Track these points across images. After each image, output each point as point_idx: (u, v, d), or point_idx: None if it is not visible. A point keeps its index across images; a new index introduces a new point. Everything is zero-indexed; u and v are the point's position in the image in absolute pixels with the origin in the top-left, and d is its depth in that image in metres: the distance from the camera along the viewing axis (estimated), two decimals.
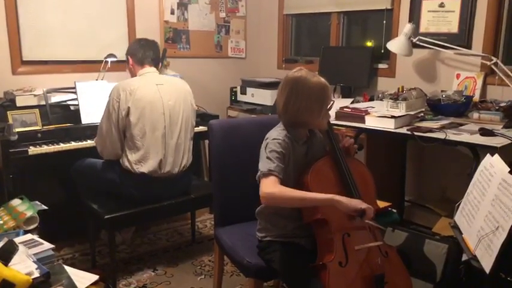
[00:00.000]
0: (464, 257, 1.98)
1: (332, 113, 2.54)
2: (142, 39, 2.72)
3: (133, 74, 2.64)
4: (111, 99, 2.43)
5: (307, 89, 1.74)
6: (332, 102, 1.81)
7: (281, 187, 1.66)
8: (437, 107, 2.72)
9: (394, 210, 2.47)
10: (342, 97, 3.56)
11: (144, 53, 2.59)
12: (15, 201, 2.24)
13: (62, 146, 2.68)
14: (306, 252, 1.77)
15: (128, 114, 2.40)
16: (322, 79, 1.78)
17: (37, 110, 2.76)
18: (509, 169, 1.49)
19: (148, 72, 2.57)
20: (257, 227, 1.91)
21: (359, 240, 1.71)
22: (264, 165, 1.71)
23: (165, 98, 2.50)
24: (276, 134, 1.78)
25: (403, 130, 2.42)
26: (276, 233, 1.83)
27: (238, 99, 4.03)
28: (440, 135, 2.28)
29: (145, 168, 2.44)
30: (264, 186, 1.67)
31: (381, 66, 3.45)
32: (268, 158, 1.71)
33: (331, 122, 1.94)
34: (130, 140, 2.44)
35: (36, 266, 1.50)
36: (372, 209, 1.66)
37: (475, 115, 2.62)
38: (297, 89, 1.74)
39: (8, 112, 2.67)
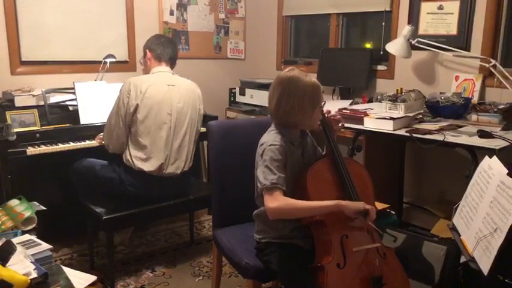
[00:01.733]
0: (463, 259, 1.98)
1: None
2: (162, 36, 2.77)
3: (147, 68, 2.67)
4: (121, 93, 2.45)
5: (300, 88, 1.74)
6: (323, 102, 1.81)
7: (286, 200, 1.67)
8: (435, 109, 2.72)
9: (393, 212, 2.48)
10: (341, 98, 3.56)
11: (163, 50, 2.62)
12: (14, 202, 2.23)
13: (61, 147, 2.68)
14: (304, 253, 1.77)
15: (135, 111, 2.42)
16: (314, 79, 1.79)
17: (36, 110, 2.76)
18: (507, 171, 1.50)
19: (162, 71, 2.59)
20: (255, 229, 1.91)
21: (357, 241, 1.71)
22: (265, 176, 1.70)
23: (175, 99, 2.50)
24: (272, 139, 1.76)
25: (402, 132, 2.43)
26: (273, 234, 1.83)
27: (237, 100, 4.03)
28: (438, 137, 2.28)
29: (145, 166, 2.44)
30: (270, 201, 1.67)
31: (379, 67, 3.45)
32: (268, 167, 1.70)
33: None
34: (134, 136, 2.45)
35: (34, 266, 1.49)
36: (374, 210, 1.69)
37: (474, 117, 2.63)
38: (289, 88, 1.75)
39: (6, 112, 2.67)
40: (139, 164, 2.44)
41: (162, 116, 2.46)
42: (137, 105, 2.41)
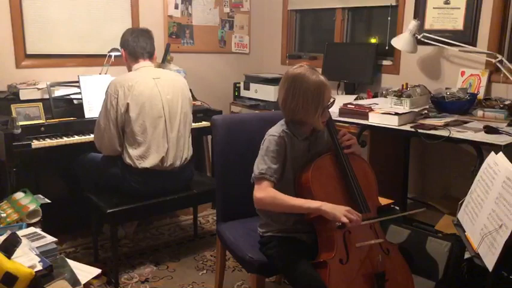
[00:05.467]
0: (467, 255, 1.98)
1: (336, 109, 2.54)
2: (134, 30, 2.62)
3: (129, 67, 2.59)
4: (108, 95, 2.41)
5: (304, 87, 1.72)
6: (333, 100, 1.79)
7: (271, 192, 1.71)
8: (441, 105, 2.71)
9: (397, 208, 2.47)
10: (346, 93, 3.55)
11: (137, 45, 2.51)
12: (19, 195, 2.25)
13: (65, 140, 2.69)
14: (307, 247, 1.77)
15: (127, 110, 2.38)
16: (321, 77, 1.75)
17: (40, 103, 2.76)
18: None
19: (144, 66, 2.53)
20: (258, 223, 1.91)
21: (360, 237, 1.70)
22: (257, 165, 1.75)
23: (163, 92, 2.48)
24: (274, 130, 1.79)
25: (407, 127, 2.42)
26: (277, 227, 1.83)
27: (242, 94, 4.03)
28: (444, 132, 2.27)
29: (147, 163, 2.44)
30: (256, 191, 1.73)
31: (385, 62, 3.43)
32: (262, 157, 1.75)
33: (334, 118, 1.92)
34: (130, 135, 2.43)
35: (39, 259, 1.50)
36: (357, 220, 1.62)
37: (479, 113, 2.61)
38: (294, 86, 1.74)
39: (11, 105, 2.68)
40: (140, 162, 2.43)
41: (155, 110, 2.44)
42: (128, 104, 2.37)
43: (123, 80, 2.42)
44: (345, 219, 1.60)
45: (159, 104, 2.46)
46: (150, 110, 2.43)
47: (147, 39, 2.57)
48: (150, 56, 2.58)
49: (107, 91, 2.43)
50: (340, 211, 1.62)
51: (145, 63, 2.55)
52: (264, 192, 1.71)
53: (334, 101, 1.80)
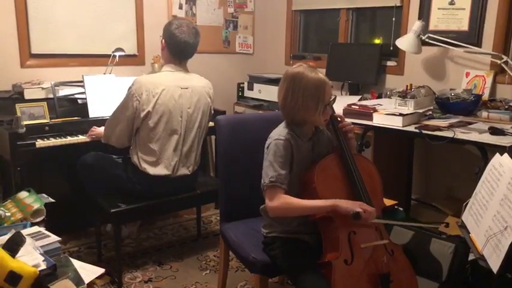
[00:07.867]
0: (471, 257, 1.97)
1: (340, 110, 2.54)
2: (184, 28, 2.44)
3: (163, 59, 2.54)
4: (131, 94, 2.36)
5: (303, 85, 1.72)
6: (333, 97, 1.79)
7: (285, 198, 1.69)
8: (445, 106, 2.70)
9: (401, 209, 2.47)
10: (350, 94, 3.55)
11: (180, 47, 2.43)
12: (23, 194, 2.25)
13: (69, 139, 2.69)
14: (310, 248, 1.77)
15: (146, 117, 2.36)
16: (321, 75, 1.75)
17: (45, 103, 2.78)
18: None
19: (174, 71, 2.47)
20: (262, 223, 1.91)
21: (365, 238, 1.70)
22: (266, 172, 1.72)
23: (186, 104, 2.46)
24: (278, 133, 1.77)
25: (411, 128, 2.41)
26: (280, 229, 1.83)
27: (245, 95, 4.03)
28: (448, 133, 2.26)
29: (152, 171, 2.43)
30: (269, 200, 1.71)
31: (389, 63, 3.42)
32: (270, 163, 1.72)
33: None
34: (143, 140, 2.42)
35: (43, 258, 1.50)
36: (371, 214, 1.65)
37: (484, 114, 2.60)
38: (293, 85, 1.74)
39: (16, 105, 2.69)
40: (145, 167, 2.42)
41: (172, 123, 2.42)
42: (149, 112, 2.35)
43: (150, 82, 2.37)
44: (359, 209, 1.62)
45: (178, 117, 2.43)
46: (169, 122, 2.41)
47: (195, 42, 2.48)
48: (188, 59, 2.52)
49: (130, 87, 2.38)
50: (354, 204, 1.66)
51: (179, 67, 2.49)
52: (277, 200, 1.69)
53: (335, 98, 1.80)
